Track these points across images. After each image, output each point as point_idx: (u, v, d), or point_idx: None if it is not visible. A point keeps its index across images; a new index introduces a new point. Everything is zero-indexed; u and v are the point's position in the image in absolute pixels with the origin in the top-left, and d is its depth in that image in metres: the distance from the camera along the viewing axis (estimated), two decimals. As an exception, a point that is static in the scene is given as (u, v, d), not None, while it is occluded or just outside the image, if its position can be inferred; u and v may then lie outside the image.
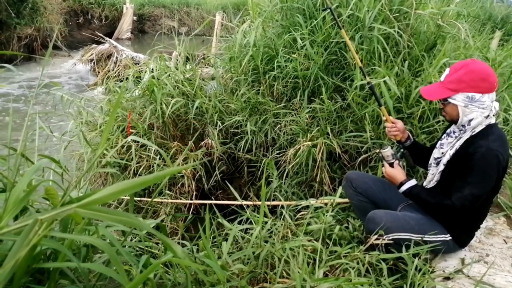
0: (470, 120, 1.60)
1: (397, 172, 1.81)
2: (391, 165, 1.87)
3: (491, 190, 1.62)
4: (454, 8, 2.90)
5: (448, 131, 1.76)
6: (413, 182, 1.76)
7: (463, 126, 1.64)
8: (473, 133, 1.62)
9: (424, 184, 1.83)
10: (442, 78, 1.66)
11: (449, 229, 1.71)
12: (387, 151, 1.88)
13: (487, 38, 3.82)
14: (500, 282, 1.51)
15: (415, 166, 2.11)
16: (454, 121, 1.68)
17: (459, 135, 1.67)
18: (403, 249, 1.62)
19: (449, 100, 1.61)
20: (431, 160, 1.80)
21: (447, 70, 1.64)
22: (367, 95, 2.54)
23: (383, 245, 1.65)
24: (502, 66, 2.81)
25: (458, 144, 1.65)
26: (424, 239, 1.66)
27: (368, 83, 2.04)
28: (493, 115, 1.61)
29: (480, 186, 1.56)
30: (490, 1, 8.91)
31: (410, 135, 1.97)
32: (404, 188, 1.75)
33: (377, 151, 2.11)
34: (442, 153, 1.73)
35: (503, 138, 1.59)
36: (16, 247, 0.65)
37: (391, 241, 1.66)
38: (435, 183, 1.76)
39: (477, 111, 1.57)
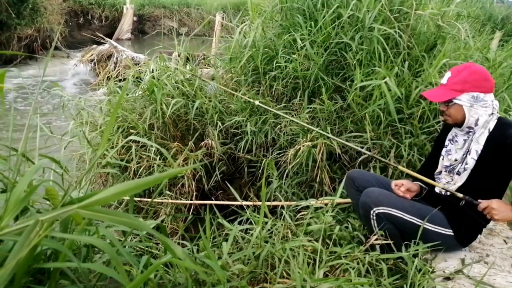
0: (477, 120, 1.61)
1: (505, 204, 1.55)
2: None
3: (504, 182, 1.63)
4: (454, 8, 2.90)
5: (450, 137, 1.75)
6: None
7: (470, 127, 1.64)
8: (490, 130, 1.61)
9: (442, 187, 1.74)
10: (444, 81, 1.66)
11: (453, 224, 1.69)
12: None
13: (487, 39, 3.82)
14: (500, 283, 1.51)
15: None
16: (458, 123, 1.67)
17: (468, 137, 1.66)
18: (403, 248, 1.62)
19: (454, 100, 1.62)
20: (440, 169, 1.78)
21: (449, 73, 1.65)
22: (367, 95, 2.54)
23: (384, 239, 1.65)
24: (502, 67, 2.81)
25: (480, 145, 1.61)
26: (417, 223, 1.65)
27: (462, 199, 1.63)
28: (497, 112, 1.64)
29: None
30: (490, 1, 8.94)
31: (420, 186, 1.85)
32: None
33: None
34: (456, 159, 1.70)
35: None
36: (17, 248, 0.65)
37: (382, 216, 1.67)
38: (462, 182, 1.69)
39: (481, 110, 1.60)
